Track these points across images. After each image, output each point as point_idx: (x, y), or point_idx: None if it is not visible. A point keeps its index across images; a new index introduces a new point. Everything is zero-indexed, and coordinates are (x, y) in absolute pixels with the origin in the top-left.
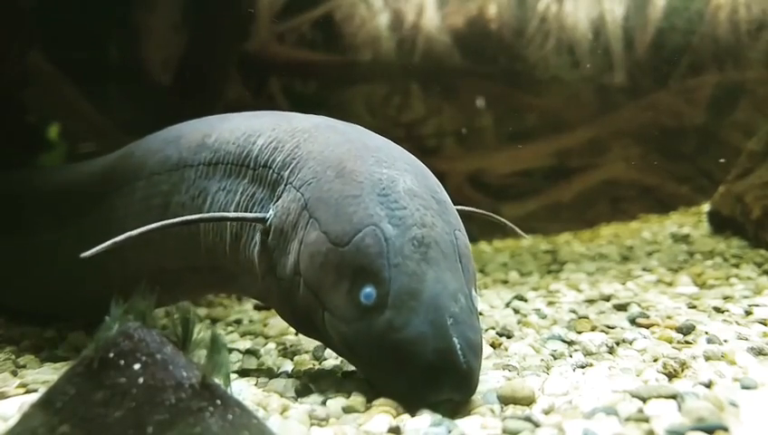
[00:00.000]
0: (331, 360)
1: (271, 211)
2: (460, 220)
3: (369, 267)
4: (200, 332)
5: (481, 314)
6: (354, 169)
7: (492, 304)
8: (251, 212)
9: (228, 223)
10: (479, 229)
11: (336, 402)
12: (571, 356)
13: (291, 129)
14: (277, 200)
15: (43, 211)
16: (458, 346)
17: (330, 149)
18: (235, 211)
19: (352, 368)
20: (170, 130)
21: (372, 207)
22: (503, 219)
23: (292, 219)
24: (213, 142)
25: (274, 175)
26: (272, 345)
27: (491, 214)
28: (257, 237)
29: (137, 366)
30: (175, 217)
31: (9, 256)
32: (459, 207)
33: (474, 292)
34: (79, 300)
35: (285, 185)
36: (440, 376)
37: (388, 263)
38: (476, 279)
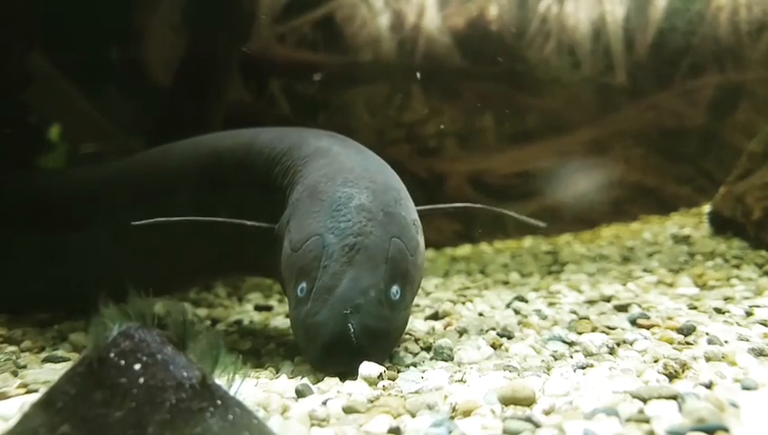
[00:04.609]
0: None
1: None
2: (405, 229)
3: (306, 268)
4: (199, 332)
5: (482, 314)
6: (323, 190)
7: (492, 305)
8: (272, 223)
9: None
10: (481, 230)
11: (336, 403)
12: (571, 357)
13: (298, 155)
14: (281, 214)
15: (78, 209)
16: (352, 331)
17: (315, 173)
18: (266, 222)
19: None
20: (199, 143)
21: (324, 220)
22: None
23: (283, 230)
24: (250, 162)
25: (281, 195)
26: (272, 346)
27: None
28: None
29: (137, 366)
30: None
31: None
32: (465, 205)
33: (395, 287)
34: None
35: (286, 202)
36: (335, 352)
37: (319, 265)
38: (405, 277)
